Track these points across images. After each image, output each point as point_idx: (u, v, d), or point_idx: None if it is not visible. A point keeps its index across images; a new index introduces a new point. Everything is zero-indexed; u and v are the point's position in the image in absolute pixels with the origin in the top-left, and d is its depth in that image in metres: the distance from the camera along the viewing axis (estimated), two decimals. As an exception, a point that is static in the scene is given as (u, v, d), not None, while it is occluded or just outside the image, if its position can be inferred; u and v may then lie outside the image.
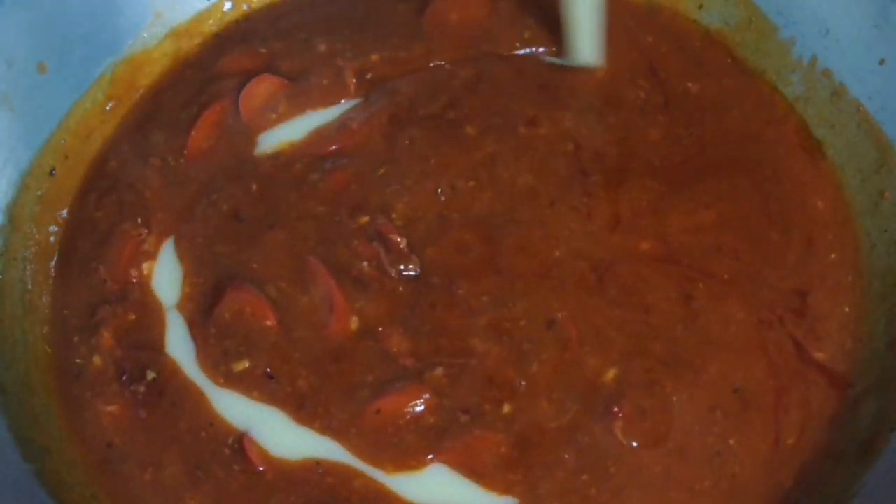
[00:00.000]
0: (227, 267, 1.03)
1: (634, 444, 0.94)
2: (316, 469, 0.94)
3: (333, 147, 1.09)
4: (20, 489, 0.92)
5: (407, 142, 1.08)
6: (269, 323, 1.00)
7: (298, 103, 1.11)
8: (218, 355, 0.99)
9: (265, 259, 1.03)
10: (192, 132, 1.10)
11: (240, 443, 0.95)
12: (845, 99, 1.07)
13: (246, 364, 0.98)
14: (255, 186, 1.07)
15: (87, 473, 0.97)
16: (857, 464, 0.92)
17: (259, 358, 0.99)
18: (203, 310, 1.01)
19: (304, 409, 0.96)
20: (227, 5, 1.19)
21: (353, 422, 0.95)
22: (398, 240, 1.02)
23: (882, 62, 1.05)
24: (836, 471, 0.93)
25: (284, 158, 1.09)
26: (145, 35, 1.15)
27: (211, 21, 1.19)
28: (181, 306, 1.02)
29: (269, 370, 0.98)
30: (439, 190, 1.05)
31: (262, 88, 1.11)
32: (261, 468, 0.94)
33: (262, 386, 0.98)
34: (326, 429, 0.95)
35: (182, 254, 1.05)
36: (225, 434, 0.96)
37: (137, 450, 0.97)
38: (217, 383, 0.98)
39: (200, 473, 0.95)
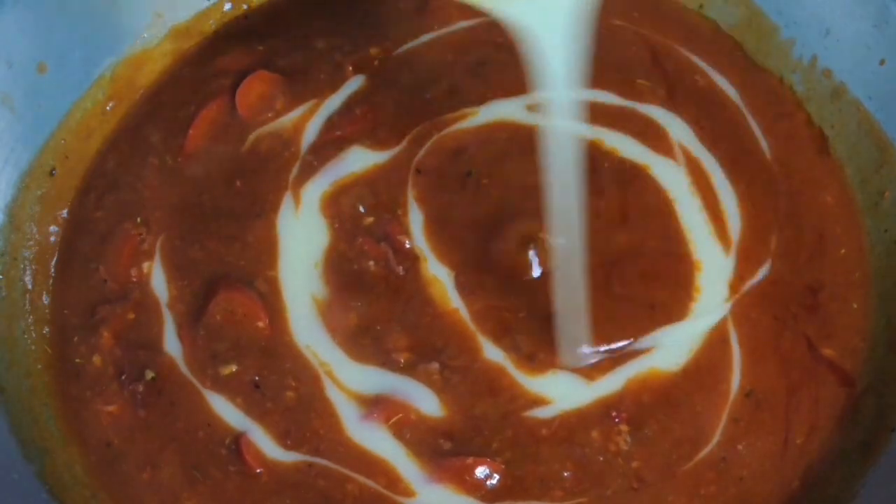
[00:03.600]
0: (214, 267, 1.03)
1: (635, 450, 0.94)
2: (309, 471, 0.94)
3: (337, 133, 1.09)
4: (21, 489, 0.92)
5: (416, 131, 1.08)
6: (260, 324, 1.00)
7: (296, 98, 1.11)
8: (206, 358, 0.99)
9: (252, 251, 1.03)
10: (190, 131, 1.10)
11: (236, 443, 0.95)
12: (845, 99, 1.07)
13: (233, 368, 0.98)
14: (242, 179, 1.07)
15: (87, 473, 0.97)
16: (857, 463, 0.92)
17: (247, 363, 0.98)
18: (193, 311, 1.01)
19: (289, 438, 0.95)
20: (227, 5, 1.19)
21: (341, 441, 0.95)
22: (402, 239, 1.02)
23: (882, 62, 1.05)
24: (838, 470, 0.93)
25: (278, 147, 1.09)
26: (145, 35, 1.15)
27: (211, 21, 1.18)
28: (171, 306, 1.02)
29: (256, 378, 0.98)
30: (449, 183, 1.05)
31: (258, 85, 1.11)
32: (258, 470, 0.94)
33: (247, 394, 0.97)
34: (315, 452, 0.95)
35: (164, 255, 1.04)
36: (222, 434, 0.96)
37: (136, 450, 0.97)
38: (204, 385, 0.98)
39: (197, 474, 0.95)
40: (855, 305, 1.01)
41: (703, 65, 1.13)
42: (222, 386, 0.98)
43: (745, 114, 1.10)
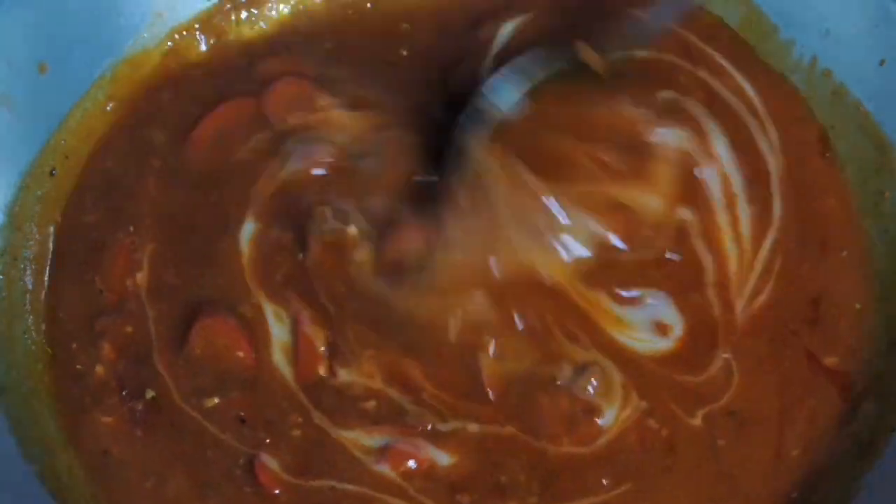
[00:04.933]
0: (191, 291, 1.00)
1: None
2: (331, 494, 0.92)
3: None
4: (21, 489, 0.92)
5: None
6: (241, 354, 0.97)
7: (325, 103, 1.09)
8: (189, 390, 0.96)
9: (224, 274, 1.00)
10: (191, 132, 1.09)
11: (251, 464, 0.92)
12: (845, 99, 1.07)
13: (216, 401, 0.95)
14: (217, 191, 1.05)
15: (87, 475, 0.96)
16: (857, 464, 0.92)
17: (230, 396, 0.96)
18: (175, 338, 0.98)
19: (306, 469, 0.93)
20: (228, 6, 1.19)
21: (363, 470, 0.93)
22: None
23: (882, 62, 1.05)
24: (836, 472, 0.93)
25: (254, 158, 1.07)
26: (145, 35, 1.15)
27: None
28: (156, 328, 0.99)
29: (241, 414, 0.95)
30: None
31: (291, 90, 1.09)
32: (276, 491, 0.91)
33: (233, 429, 0.94)
34: (337, 479, 0.92)
35: (151, 267, 1.02)
36: (234, 454, 0.93)
37: (137, 460, 0.94)
38: (192, 416, 0.95)
39: (209, 491, 0.92)
40: (857, 306, 1.00)
41: (711, 66, 1.11)
42: (210, 419, 0.95)
43: (746, 114, 1.09)
